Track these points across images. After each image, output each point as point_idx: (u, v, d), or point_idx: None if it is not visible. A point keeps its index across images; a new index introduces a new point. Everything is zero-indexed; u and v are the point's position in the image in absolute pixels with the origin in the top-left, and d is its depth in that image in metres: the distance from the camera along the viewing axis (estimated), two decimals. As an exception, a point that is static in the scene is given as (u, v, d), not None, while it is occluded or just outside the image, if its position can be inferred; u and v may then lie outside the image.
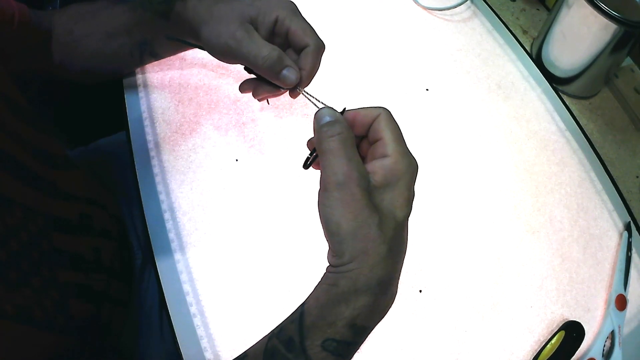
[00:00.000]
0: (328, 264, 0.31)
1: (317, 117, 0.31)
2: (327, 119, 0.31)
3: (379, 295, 0.30)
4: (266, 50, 0.38)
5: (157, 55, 0.51)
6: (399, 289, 0.45)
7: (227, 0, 0.41)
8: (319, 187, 0.31)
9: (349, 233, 0.29)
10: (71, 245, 0.41)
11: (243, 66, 0.41)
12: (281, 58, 0.38)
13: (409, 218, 0.32)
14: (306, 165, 0.34)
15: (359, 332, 0.31)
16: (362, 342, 0.33)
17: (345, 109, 0.33)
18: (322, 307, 0.31)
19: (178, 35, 0.44)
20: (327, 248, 0.31)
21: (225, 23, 0.39)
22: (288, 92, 0.40)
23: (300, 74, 0.39)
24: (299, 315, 0.32)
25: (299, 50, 0.40)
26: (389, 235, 0.30)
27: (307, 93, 0.38)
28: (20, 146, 0.37)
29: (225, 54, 0.41)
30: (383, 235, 0.29)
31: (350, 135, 0.31)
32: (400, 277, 0.45)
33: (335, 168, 0.29)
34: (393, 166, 0.30)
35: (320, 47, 0.40)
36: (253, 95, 0.42)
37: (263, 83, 0.41)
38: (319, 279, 0.33)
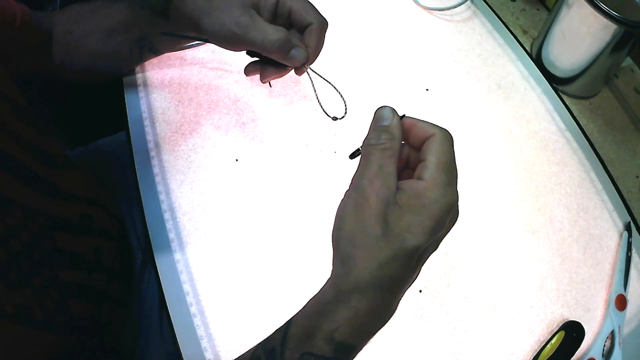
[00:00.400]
0: None
1: (376, 115, 0.31)
2: (384, 122, 0.30)
3: (362, 313, 0.29)
4: (273, 33, 0.38)
5: (157, 51, 0.51)
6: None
7: None
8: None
9: (348, 234, 0.29)
10: (72, 245, 0.41)
11: (245, 51, 0.41)
12: (288, 39, 0.38)
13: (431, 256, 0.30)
14: (352, 156, 0.33)
15: (340, 348, 0.29)
16: None
17: (404, 115, 0.32)
18: (306, 318, 0.30)
19: (178, 29, 0.44)
20: (329, 251, 0.31)
21: (227, 11, 0.39)
22: (293, 70, 0.41)
23: (306, 52, 0.39)
24: (286, 325, 0.31)
25: (302, 29, 0.40)
26: (387, 255, 0.28)
27: (312, 70, 0.39)
28: (20, 146, 0.37)
29: (231, 42, 0.40)
30: (379, 251, 0.28)
31: (394, 146, 0.30)
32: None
33: (364, 171, 0.29)
34: (422, 191, 0.28)
35: (323, 24, 0.40)
36: (260, 78, 0.43)
37: (268, 65, 0.42)
38: (319, 279, 0.33)
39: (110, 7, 0.46)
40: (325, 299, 0.30)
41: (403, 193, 0.29)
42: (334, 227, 0.30)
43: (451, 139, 0.30)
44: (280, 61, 0.39)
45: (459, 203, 0.31)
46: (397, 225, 0.28)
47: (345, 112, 0.39)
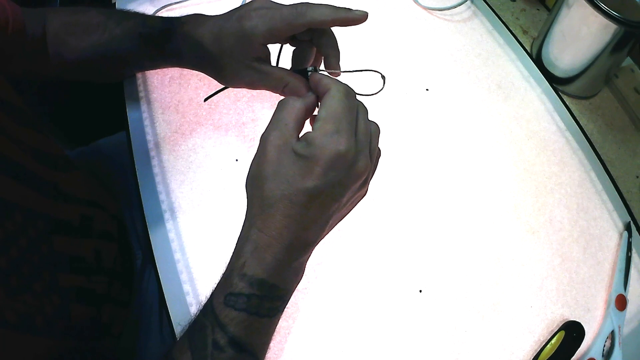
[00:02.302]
0: None
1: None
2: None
3: (262, 246, 0.32)
4: (281, 84, 0.41)
5: (151, 69, 0.53)
6: (398, 289, 0.46)
7: (216, 45, 0.42)
8: None
9: (249, 179, 0.34)
10: (72, 248, 0.41)
11: None
12: (296, 84, 0.40)
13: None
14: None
15: (255, 284, 0.32)
16: (273, 300, 0.33)
17: (311, 70, 0.38)
18: (226, 265, 0.33)
19: (178, 65, 0.48)
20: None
21: (237, 72, 0.43)
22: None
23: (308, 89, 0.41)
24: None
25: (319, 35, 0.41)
26: (275, 194, 0.32)
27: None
28: (19, 148, 0.37)
29: (244, 87, 0.45)
30: (268, 190, 0.32)
31: (294, 102, 0.34)
32: (401, 277, 0.46)
33: (268, 124, 0.34)
34: (311, 139, 0.32)
35: (330, 29, 0.41)
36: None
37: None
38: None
39: (104, 29, 0.46)
40: (236, 243, 0.34)
41: (298, 142, 0.32)
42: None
43: (347, 92, 0.33)
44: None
45: None
46: (289, 169, 0.32)
47: (383, 87, 0.40)
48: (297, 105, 0.34)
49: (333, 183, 0.32)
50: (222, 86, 0.47)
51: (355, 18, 0.38)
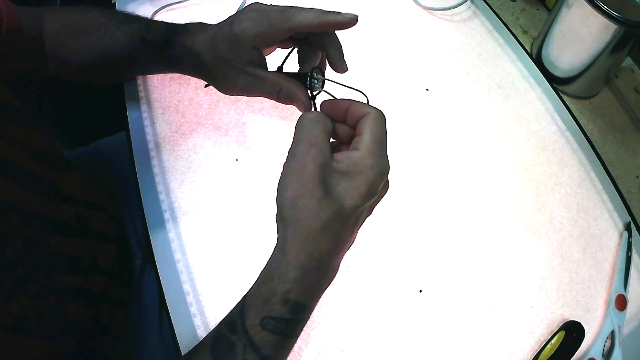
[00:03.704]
0: None
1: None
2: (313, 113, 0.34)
3: (310, 270, 0.31)
4: (275, 88, 0.40)
5: (150, 73, 0.54)
6: (398, 289, 0.46)
7: (214, 51, 0.42)
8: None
9: (290, 199, 0.31)
10: (68, 249, 0.41)
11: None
12: (290, 89, 0.40)
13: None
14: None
15: (295, 308, 0.32)
16: (304, 320, 0.33)
17: (316, 70, 0.38)
18: (259, 285, 0.32)
19: (179, 71, 0.48)
20: None
21: (232, 78, 0.42)
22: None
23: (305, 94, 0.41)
24: (243, 299, 0.33)
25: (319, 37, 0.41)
26: (328, 215, 0.31)
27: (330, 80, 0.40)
28: (16, 148, 0.37)
29: (240, 93, 0.45)
30: (321, 211, 0.31)
31: (322, 119, 0.33)
32: (401, 277, 0.46)
33: (299, 141, 0.32)
34: (358, 159, 0.32)
35: (332, 31, 0.40)
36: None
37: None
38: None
39: (105, 32, 0.45)
40: (275, 265, 0.32)
41: (340, 162, 0.32)
42: (277, 196, 0.33)
43: (384, 118, 0.34)
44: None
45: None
46: (335, 189, 0.31)
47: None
48: (329, 125, 0.34)
49: (371, 202, 0.33)
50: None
51: (343, 21, 0.37)
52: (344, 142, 0.36)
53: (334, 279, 0.35)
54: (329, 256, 0.32)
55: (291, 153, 0.32)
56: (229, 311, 0.34)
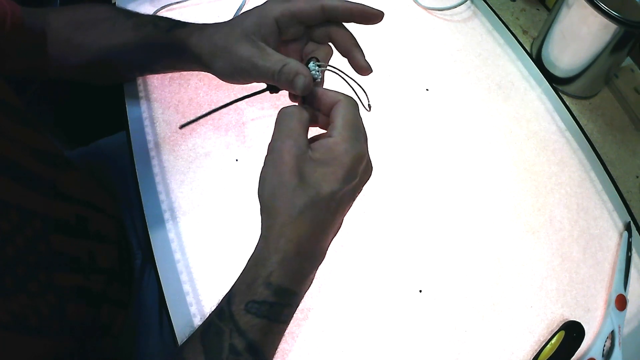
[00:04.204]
0: None
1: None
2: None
3: (290, 254, 0.32)
4: (278, 65, 0.38)
5: (156, 72, 0.53)
6: (398, 289, 0.46)
7: (225, 24, 0.42)
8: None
9: (269, 190, 0.33)
10: (68, 248, 0.41)
11: (266, 88, 0.41)
12: (293, 68, 0.38)
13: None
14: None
15: (279, 292, 0.32)
16: (291, 305, 0.34)
17: (313, 60, 0.38)
18: (244, 273, 0.34)
19: (184, 62, 0.46)
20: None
21: (234, 50, 0.40)
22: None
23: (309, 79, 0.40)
24: (231, 288, 0.34)
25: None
26: (304, 201, 0.32)
27: (336, 68, 0.40)
28: (17, 148, 0.37)
29: (242, 78, 0.42)
30: (297, 198, 0.32)
31: (297, 112, 0.34)
32: (401, 277, 0.46)
33: (275, 135, 0.34)
34: (332, 146, 0.33)
35: (346, 30, 0.41)
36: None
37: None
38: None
39: (113, 24, 0.45)
40: (257, 252, 0.33)
41: (316, 150, 0.33)
42: (258, 189, 0.34)
43: (355, 103, 0.35)
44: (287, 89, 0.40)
45: None
46: (312, 176, 0.32)
47: (369, 107, 0.40)
48: (304, 116, 0.35)
49: (352, 186, 0.34)
50: (203, 113, 0.42)
51: (373, 12, 0.39)
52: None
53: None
54: (309, 240, 0.33)
55: (270, 147, 0.34)
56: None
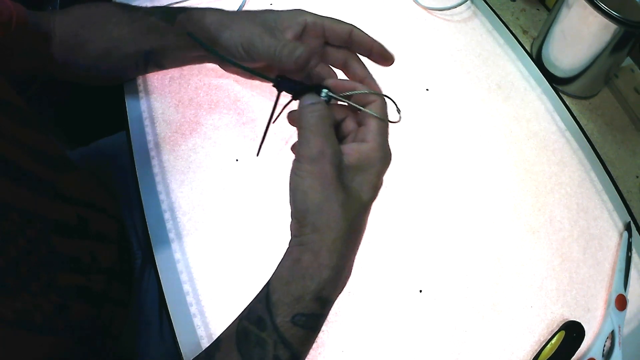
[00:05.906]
0: (291, 237, 0.34)
1: (304, 97, 0.34)
2: (310, 100, 0.33)
3: (340, 269, 0.32)
4: (293, 46, 0.37)
5: (162, 66, 0.52)
6: (398, 289, 0.46)
7: (245, 12, 0.42)
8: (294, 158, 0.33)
9: (315, 205, 0.31)
10: (69, 248, 0.41)
11: (271, 84, 0.39)
12: (296, 44, 0.37)
13: (377, 206, 0.35)
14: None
15: (325, 304, 0.33)
16: (327, 314, 0.34)
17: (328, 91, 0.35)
18: (288, 284, 0.32)
19: (191, 43, 0.44)
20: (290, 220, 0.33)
21: (248, 25, 0.40)
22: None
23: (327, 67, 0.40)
24: (265, 295, 0.33)
25: (338, 40, 0.40)
26: (352, 215, 0.32)
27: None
28: (17, 149, 0.37)
29: (245, 53, 0.40)
30: (346, 212, 0.31)
31: (329, 114, 0.33)
32: (401, 277, 0.46)
33: (311, 143, 0.31)
34: (369, 152, 0.32)
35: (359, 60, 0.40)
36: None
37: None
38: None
39: (120, 15, 0.46)
40: (305, 265, 0.32)
41: (350, 156, 0.32)
42: (295, 201, 0.32)
43: (386, 105, 0.35)
44: (298, 76, 0.38)
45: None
46: (352, 186, 0.32)
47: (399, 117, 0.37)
48: (332, 115, 0.34)
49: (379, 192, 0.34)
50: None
51: (389, 56, 0.39)
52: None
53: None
54: (353, 251, 0.34)
55: (305, 155, 0.31)
56: (239, 309, 0.34)
